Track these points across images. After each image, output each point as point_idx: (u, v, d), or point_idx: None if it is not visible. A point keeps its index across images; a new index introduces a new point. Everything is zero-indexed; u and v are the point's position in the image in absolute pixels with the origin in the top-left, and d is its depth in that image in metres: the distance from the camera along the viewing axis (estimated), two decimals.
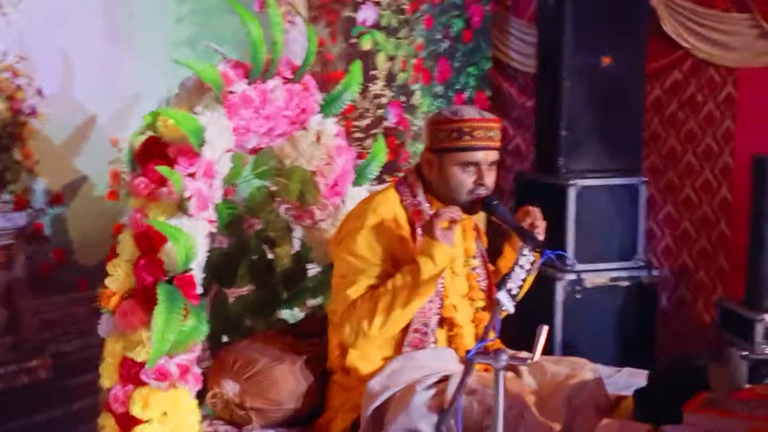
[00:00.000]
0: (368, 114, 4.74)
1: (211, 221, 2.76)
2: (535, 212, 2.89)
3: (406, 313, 2.75)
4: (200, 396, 2.86)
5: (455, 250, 2.82)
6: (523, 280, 2.53)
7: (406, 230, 2.86)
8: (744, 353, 4.52)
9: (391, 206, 2.87)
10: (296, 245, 3.41)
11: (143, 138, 2.83)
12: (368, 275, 2.78)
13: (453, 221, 2.73)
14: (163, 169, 2.61)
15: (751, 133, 5.12)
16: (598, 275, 4.96)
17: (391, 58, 4.85)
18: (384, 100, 4.84)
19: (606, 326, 5.01)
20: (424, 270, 2.70)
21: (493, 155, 2.87)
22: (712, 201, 5.30)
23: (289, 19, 4.16)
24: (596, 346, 4.91)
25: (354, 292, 2.77)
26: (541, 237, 2.82)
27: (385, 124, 4.85)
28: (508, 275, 2.49)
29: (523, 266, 2.56)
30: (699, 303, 5.38)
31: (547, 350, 4.73)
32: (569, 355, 4.40)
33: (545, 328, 2.26)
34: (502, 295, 2.42)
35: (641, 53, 5.08)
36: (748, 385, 2.85)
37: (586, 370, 2.96)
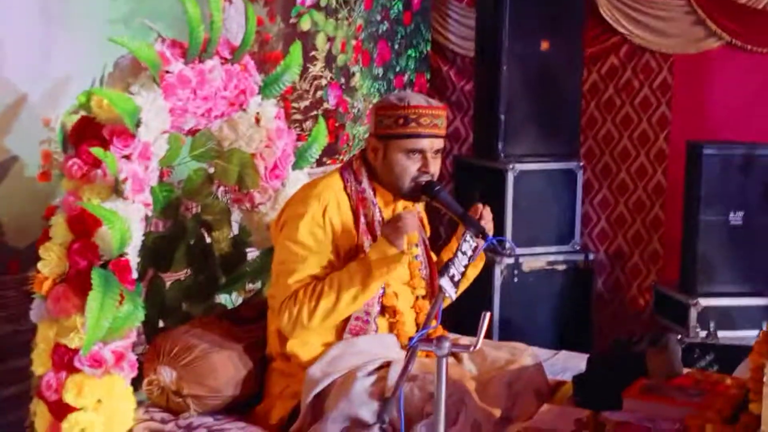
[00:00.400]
0: (307, 95, 4.68)
1: (146, 204, 2.70)
2: (485, 211, 2.87)
3: (349, 309, 2.75)
4: (136, 383, 2.81)
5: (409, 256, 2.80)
6: (466, 266, 2.52)
7: (348, 218, 2.82)
8: (678, 337, 4.59)
9: (334, 193, 2.83)
10: (235, 229, 3.35)
11: (76, 118, 2.75)
12: (309, 264, 2.75)
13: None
14: (97, 151, 2.54)
15: (686, 119, 5.18)
16: (535, 259, 4.98)
17: (331, 39, 4.79)
18: (323, 82, 4.79)
19: (543, 309, 5.04)
20: (377, 276, 2.70)
21: (439, 143, 2.85)
22: (647, 185, 5.36)
23: None
24: (534, 329, 4.95)
25: (294, 281, 2.73)
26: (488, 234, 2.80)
27: (325, 105, 4.80)
28: (450, 261, 2.48)
29: (465, 252, 2.56)
30: (633, 287, 5.44)
31: (486, 334, 4.76)
32: (507, 338, 4.43)
33: (488, 315, 2.24)
34: (444, 282, 2.41)
35: (578, 38, 5.09)
36: (685, 371, 2.89)
37: (526, 355, 2.97)
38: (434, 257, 3.09)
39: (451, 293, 2.42)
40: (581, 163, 5.10)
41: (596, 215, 5.51)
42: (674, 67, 5.21)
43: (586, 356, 3.09)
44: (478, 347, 2.26)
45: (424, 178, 2.81)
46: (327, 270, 2.76)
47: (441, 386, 2.21)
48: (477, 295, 4.87)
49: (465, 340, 2.89)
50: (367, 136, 2.92)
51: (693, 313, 4.58)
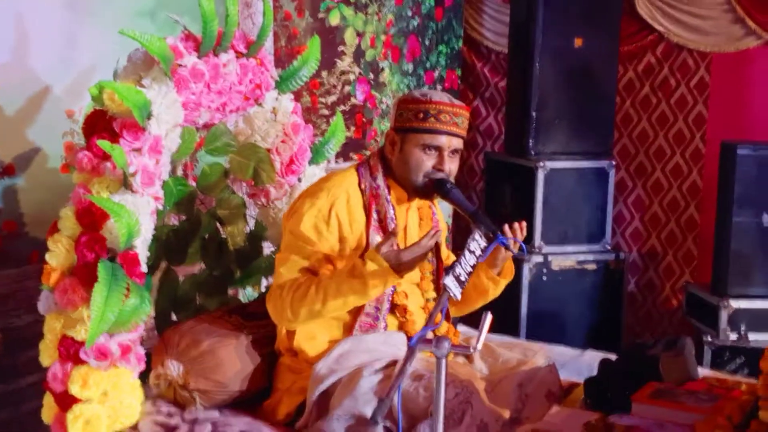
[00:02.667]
0: (335, 91, 4.67)
1: (157, 198, 2.69)
2: (521, 225, 2.83)
3: (335, 313, 2.72)
4: (145, 376, 2.81)
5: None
6: (473, 266, 2.48)
7: (359, 214, 2.80)
8: (708, 338, 4.52)
9: (346, 188, 2.81)
10: (251, 224, 3.35)
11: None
12: (303, 256, 2.74)
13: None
14: (104, 144, 2.54)
15: (723, 118, 5.09)
16: (565, 258, 4.93)
17: (360, 34, 4.77)
18: (351, 77, 4.77)
19: (572, 309, 4.98)
20: (371, 294, 2.67)
21: (457, 142, 2.80)
22: (682, 185, 5.28)
23: None
24: (562, 328, 4.91)
25: (286, 270, 2.73)
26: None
27: (353, 101, 4.78)
28: (457, 260, 2.44)
29: (473, 251, 2.52)
30: (667, 287, 5.36)
31: (513, 332, 4.75)
32: (535, 336, 4.40)
33: (489, 317, 2.21)
34: (449, 281, 2.37)
35: (614, 35, 5.02)
36: (701, 376, 2.83)
37: (539, 356, 2.93)
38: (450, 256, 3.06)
39: (456, 293, 2.38)
40: (613, 162, 5.04)
41: (630, 215, 5.45)
42: (712, 65, 5.12)
43: (612, 356, 3.04)
44: (478, 348, 2.21)
45: (438, 176, 2.77)
46: (322, 262, 2.74)
47: (440, 386, 2.18)
48: (505, 293, 4.86)
49: (473, 341, 2.84)
50: (386, 130, 2.88)
51: (724, 315, 4.51)
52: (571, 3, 4.91)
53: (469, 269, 2.47)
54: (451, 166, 2.81)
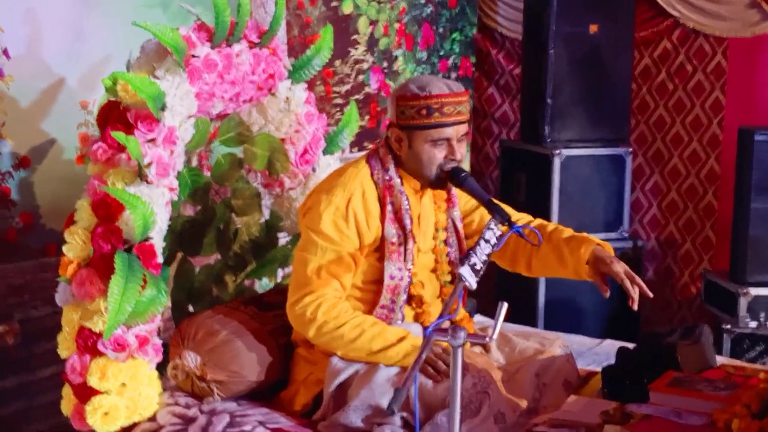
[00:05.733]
0: (348, 80, 4.66)
1: (172, 189, 2.70)
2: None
3: (351, 355, 2.71)
4: (162, 367, 2.82)
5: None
6: (488, 255, 2.47)
7: (374, 207, 2.78)
8: (727, 326, 4.49)
9: (360, 182, 2.79)
10: (266, 214, 3.34)
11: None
12: (327, 255, 2.71)
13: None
14: (118, 135, 2.55)
15: (741, 104, 5.05)
16: None
17: (373, 23, 4.75)
18: (365, 66, 4.76)
19: (590, 297, 4.94)
20: (384, 361, 2.67)
21: (463, 128, 2.79)
22: (699, 172, 5.24)
23: None
24: (579, 317, 4.89)
25: (311, 271, 2.71)
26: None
27: (366, 90, 4.77)
28: (472, 249, 2.43)
29: (488, 240, 2.51)
30: (685, 275, 5.33)
31: (530, 321, 4.74)
32: (552, 326, 4.38)
33: (505, 306, 2.19)
34: (465, 270, 2.36)
35: (629, 21, 4.99)
36: (719, 364, 2.81)
37: (556, 345, 2.92)
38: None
39: (471, 282, 2.36)
40: (630, 149, 5.01)
41: (648, 202, 5.41)
42: (729, 51, 5.07)
43: (631, 345, 3.02)
44: (494, 338, 2.20)
45: (450, 165, 2.76)
46: (344, 263, 2.73)
47: (456, 376, 2.17)
48: (523, 281, 4.85)
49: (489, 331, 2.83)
50: (389, 125, 2.85)
51: (743, 303, 4.47)
52: None
53: (485, 258, 2.46)
54: (461, 150, 2.80)
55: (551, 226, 2.98)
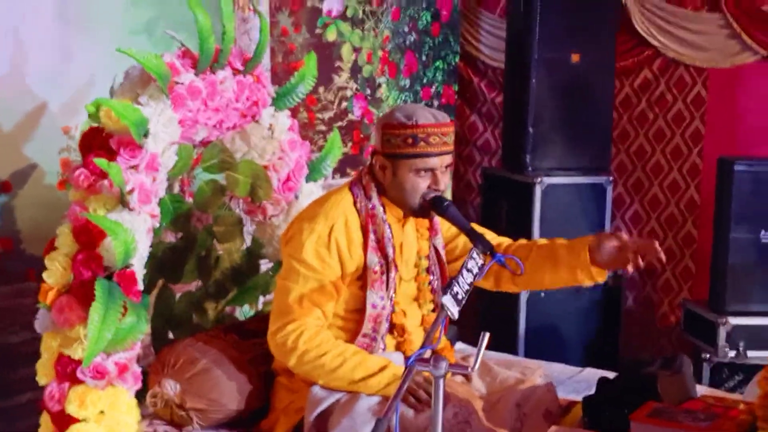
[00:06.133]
0: (332, 106, 4.67)
1: (153, 216, 2.69)
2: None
3: (331, 384, 2.71)
4: (141, 395, 2.79)
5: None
6: (470, 284, 2.47)
7: (357, 235, 2.78)
8: (706, 356, 4.50)
9: (343, 210, 2.79)
10: (248, 241, 3.34)
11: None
12: (310, 284, 2.71)
13: None
14: (100, 162, 2.54)
15: (720, 134, 5.09)
16: None
17: (357, 50, 4.77)
18: (348, 93, 4.77)
19: (570, 326, 4.97)
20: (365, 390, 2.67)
21: (448, 159, 2.80)
22: (679, 201, 5.27)
23: (250, 7, 4.08)
24: (560, 345, 4.89)
25: (293, 300, 2.71)
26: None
27: (350, 117, 4.78)
28: (455, 278, 2.43)
29: (471, 270, 2.51)
30: (665, 304, 5.35)
31: (511, 348, 4.74)
32: (533, 353, 4.38)
33: (486, 336, 2.19)
34: (447, 299, 2.36)
35: (610, 50, 5.02)
36: (699, 394, 2.82)
37: (537, 375, 2.92)
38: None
39: (454, 312, 2.36)
40: (611, 178, 5.03)
41: (627, 231, 5.42)
42: (708, 81, 5.11)
43: (611, 374, 3.02)
44: (476, 368, 2.20)
45: (432, 195, 2.76)
46: (326, 291, 2.72)
47: (438, 406, 2.17)
48: (503, 309, 4.85)
49: (470, 360, 2.83)
50: (373, 152, 2.86)
51: (722, 332, 4.48)
52: (567, 18, 4.90)
53: (467, 287, 2.46)
54: (445, 180, 2.81)
55: (539, 240, 3.01)
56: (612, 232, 2.80)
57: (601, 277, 2.86)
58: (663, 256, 2.74)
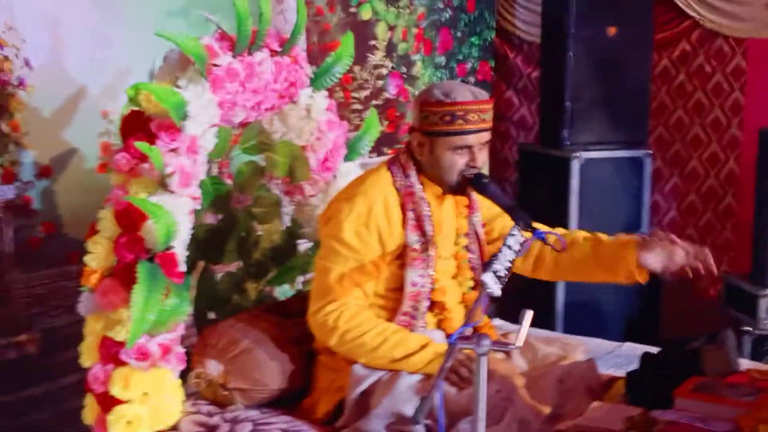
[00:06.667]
0: (368, 85, 4.66)
1: (194, 198, 2.70)
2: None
3: (373, 363, 2.71)
4: (184, 375, 2.82)
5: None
6: (511, 262, 2.46)
7: (396, 214, 2.78)
8: (747, 329, 4.47)
9: (382, 189, 2.79)
10: (287, 221, 3.35)
11: None
12: (350, 264, 2.71)
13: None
14: (141, 145, 2.55)
15: (760, 105, 5.03)
16: None
17: (392, 28, 4.76)
18: (384, 71, 4.76)
19: (610, 300, 4.95)
20: (407, 369, 2.67)
21: (486, 136, 2.79)
22: (719, 174, 5.22)
23: None
24: (599, 320, 4.88)
25: (334, 280, 2.71)
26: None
27: (385, 95, 4.77)
28: (495, 256, 2.42)
29: (511, 247, 2.49)
30: (705, 277, 5.29)
31: (549, 324, 4.72)
32: (572, 329, 4.37)
33: (530, 313, 2.19)
34: (488, 277, 2.35)
35: (648, 23, 4.98)
36: (743, 368, 2.80)
37: (578, 351, 2.92)
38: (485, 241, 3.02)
39: (495, 289, 2.35)
40: (649, 152, 4.99)
41: (667, 204, 5.39)
42: (748, 52, 5.05)
43: (651, 349, 3.01)
44: (519, 345, 2.20)
45: (472, 172, 2.76)
46: (367, 271, 2.73)
47: (480, 384, 2.16)
48: (542, 284, 4.83)
49: (515, 335, 2.83)
50: (410, 129, 2.85)
51: (763, 305, 4.46)
52: None
53: (508, 265, 2.45)
54: (483, 157, 2.80)
55: (583, 233, 2.99)
56: (660, 234, 2.77)
57: (643, 278, 2.86)
58: (714, 269, 2.72)
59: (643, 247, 2.81)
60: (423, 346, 2.66)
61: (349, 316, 2.68)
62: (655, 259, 2.80)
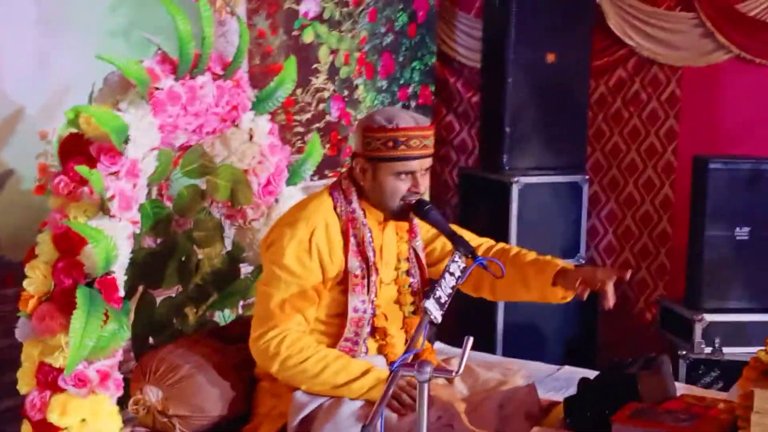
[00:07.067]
0: (309, 108, 4.66)
1: (134, 222, 2.68)
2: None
3: (317, 389, 2.71)
4: (123, 401, 2.79)
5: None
6: (453, 288, 2.48)
7: (338, 239, 2.79)
8: (683, 352, 4.54)
9: (323, 214, 2.79)
10: (228, 245, 3.33)
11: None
12: (291, 289, 2.72)
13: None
14: (82, 169, 2.53)
15: (694, 132, 5.13)
16: None
17: (334, 52, 4.77)
18: (326, 94, 4.77)
19: (548, 324, 4.99)
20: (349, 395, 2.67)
21: (428, 162, 2.82)
22: (654, 199, 5.31)
23: (228, 10, 4.07)
24: (538, 343, 4.92)
25: (275, 305, 2.71)
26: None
27: (328, 118, 4.78)
28: (437, 282, 2.44)
29: (453, 273, 2.52)
30: (641, 301, 5.38)
31: (489, 347, 4.75)
32: (511, 352, 4.40)
33: (470, 340, 2.21)
34: (430, 304, 2.37)
35: (586, 50, 5.05)
36: (679, 393, 2.84)
37: (518, 376, 2.94)
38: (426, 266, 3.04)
39: (437, 315, 2.37)
40: (587, 177, 5.06)
41: (603, 229, 5.47)
42: (682, 79, 5.15)
43: (589, 372, 3.05)
44: (460, 372, 2.21)
45: (414, 198, 2.78)
46: (308, 296, 2.73)
47: (422, 411, 2.18)
48: (482, 307, 4.86)
49: (453, 363, 2.85)
50: (353, 155, 2.87)
51: (698, 329, 4.53)
52: (542, 18, 4.93)
53: (450, 291, 2.47)
54: (425, 182, 2.82)
55: (514, 249, 3.03)
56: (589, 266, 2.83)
57: (567, 298, 2.92)
58: (607, 294, 2.79)
59: (563, 271, 2.85)
60: (364, 372, 2.66)
61: (291, 342, 2.67)
62: (567, 279, 2.83)
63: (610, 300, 2.76)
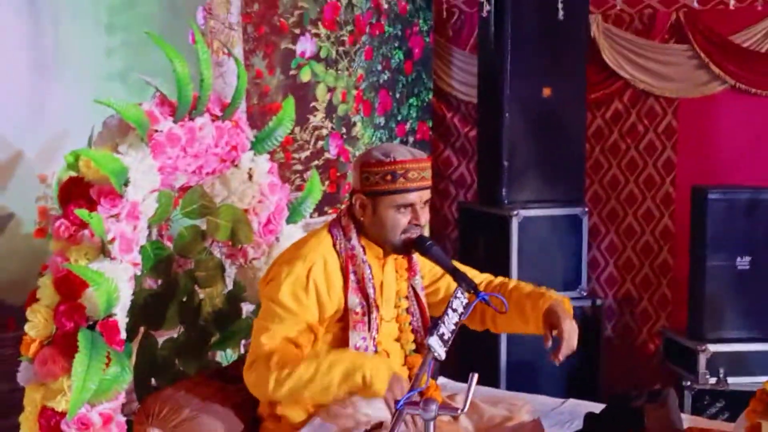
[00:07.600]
0: (308, 146, 4.68)
1: (135, 264, 2.68)
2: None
3: (316, 398, 2.68)
4: None
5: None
6: (456, 324, 2.48)
7: (337, 277, 2.78)
8: (687, 383, 4.53)
9: (322, 252, 2.79)
10: (230, 284, 3.33)
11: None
12: (286, 325, 2.70)
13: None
14: (81, 213, 2.53)
15: (692, 162, 5.16)
16: None
17: (331, 90, 4.80)
18: (324, 132, 4.79)
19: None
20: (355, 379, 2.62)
21: (427, 194, 2.82)
22: (654, 230, 5.32)
23: (225, 51, 4.09)
24: (542, 376, 4.89)
25: (268, 339, 2.69)
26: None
27: (326, 156, 4.79)
28: (440, 319, 2.44)
29: (456, 309, 2.51)
30: (643, 332, 5.38)
31: (492, 382, 4.73)
32: (514, 385, 4.38)
33: (475, 377, 2.20)
34: (433, 341, 2.37)
35: (581, 83, 5.08)
36: (685, 426, 2.83)
37: (524, 411, 2.93)
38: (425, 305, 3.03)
39: (440, 353, 2.37)
40: (586, 209, 5.07)
41: (604, 260, 5.47)
42: (679, 111, 5.19)
43: (594, 405, 3.04)
44: (465, 410, 2.21)
45: (415, 232, 2.78)
46: (304, 333, 2.72)
47: None
48: (485, 341, 4.85)
49: (458, 400, 2.84)
50: (351, 192, 2.87)
51: (702, 360, 4.52)
52: (538, 53, 4.96)
53: (453, 327, 2.46)
54: (425, 215, 2.83)
55: (512, 283, 3.04)
56: (561, 316, 2.82)
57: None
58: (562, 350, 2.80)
59: (553, 306, 2.87)
60: (358, 363, 2.61)
61: (278, 358, 2.64)
62: (552, 314, 2.87)
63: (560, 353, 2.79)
